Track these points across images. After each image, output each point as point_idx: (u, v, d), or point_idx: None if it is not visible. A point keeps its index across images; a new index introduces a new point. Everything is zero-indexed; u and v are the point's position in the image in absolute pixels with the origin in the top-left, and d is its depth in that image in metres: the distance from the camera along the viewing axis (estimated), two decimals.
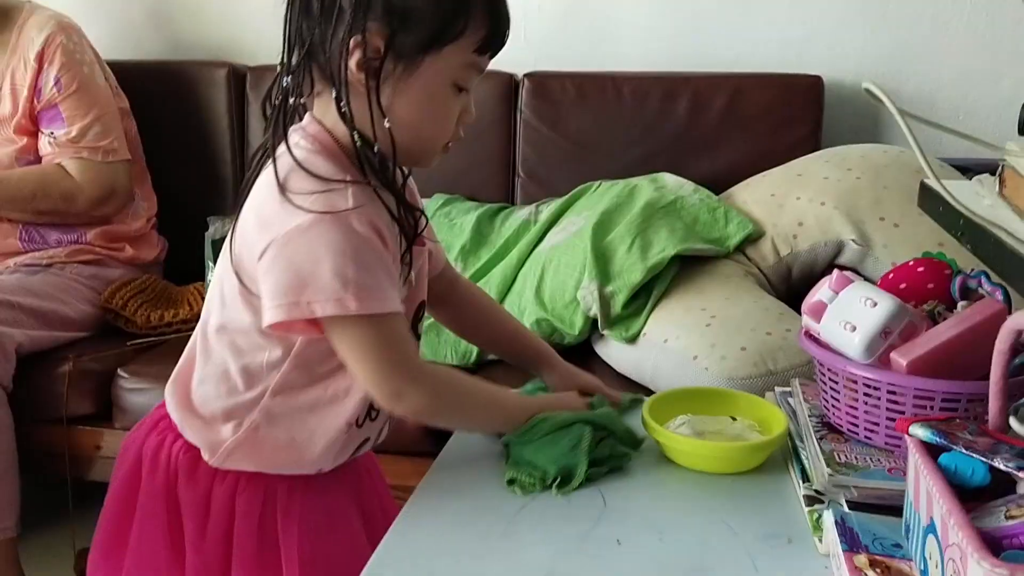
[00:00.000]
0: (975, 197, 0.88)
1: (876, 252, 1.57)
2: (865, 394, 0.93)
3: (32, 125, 1.83)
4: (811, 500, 0.90)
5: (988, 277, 0.98)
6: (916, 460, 0.72)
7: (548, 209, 1.82)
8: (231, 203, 2.10)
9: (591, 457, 0.91)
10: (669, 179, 1.79)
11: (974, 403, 0.88)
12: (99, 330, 1.81)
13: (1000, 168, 0.85)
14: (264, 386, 0.87)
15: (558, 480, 0.89)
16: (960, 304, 0.97)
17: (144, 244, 1.99)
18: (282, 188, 0.79)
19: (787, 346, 1.34)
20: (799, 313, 1.50)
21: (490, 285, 1.70)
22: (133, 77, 2.05)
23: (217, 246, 1.63)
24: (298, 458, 0.90)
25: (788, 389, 1.13)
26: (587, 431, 0.91)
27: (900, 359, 0.89)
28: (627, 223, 1.62)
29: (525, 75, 2.00)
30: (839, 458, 0.93)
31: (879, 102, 0.81)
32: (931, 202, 0.93)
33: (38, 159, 1.84)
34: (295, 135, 0.83)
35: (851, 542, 0.75)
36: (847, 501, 0.87)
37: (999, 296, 0.95)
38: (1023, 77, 1.87)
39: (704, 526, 0.87)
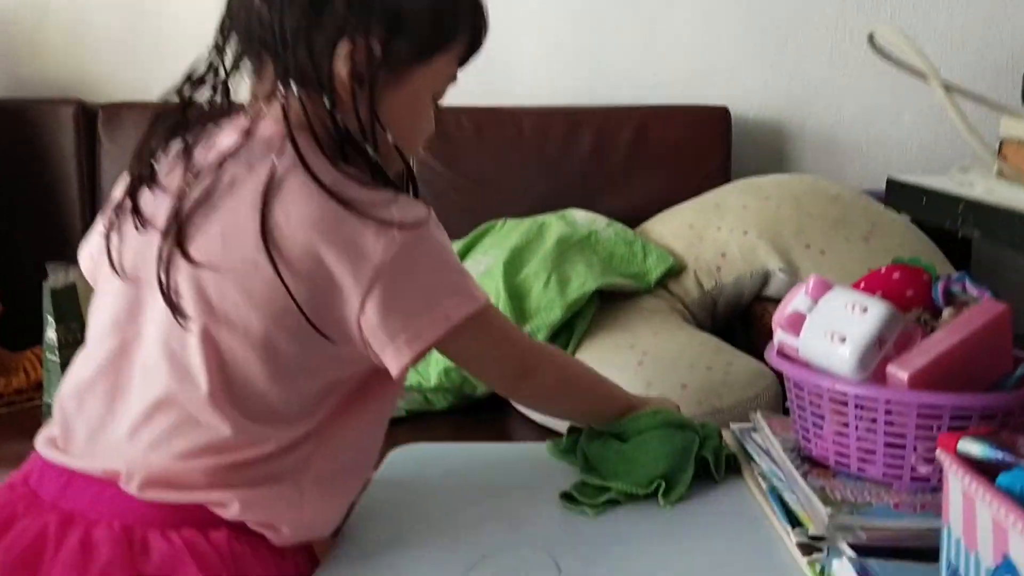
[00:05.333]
0: (965, 187, 0.77)
1: None
2: (858, 417, 0.79)
3: None
4: (807, 549, 0.75)
5: (971, 278, 0.87)
6: (967, 485, 0.57)
7: None
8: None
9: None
10: (579, 215, 1.65)
11: (987, 419, 0.75)
12: None
13: (999, 145, 0.75)
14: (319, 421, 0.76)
15: (663, 487, 0.81)
16: (946, 311, 0.86)
17: None
18: (347, 203, 0.69)
19: (731, 380, 1.21)
20: (734, 347, 1.40)
21: None
22: None
23: (58, 296, 1.36)
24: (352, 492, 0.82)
25: (748, 425, 0.99)
26: (696, 440, 0.86)
27: (899, 372, 0.76)
28: (541, 259, 1.47)
29: None
30: (834, 495, 0.78)
31: (886, 58, 0.69)
32: (908, 198, 0.82)
33: None
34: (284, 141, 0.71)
35: None
36: (852, 546, 0.72)
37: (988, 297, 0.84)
38: (924, 109, 1.86)
39: None
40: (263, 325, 0.70)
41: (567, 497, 0.82)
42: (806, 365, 0.82)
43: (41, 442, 0.77)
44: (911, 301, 0.87)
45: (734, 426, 1.00)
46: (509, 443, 1.04)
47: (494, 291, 1.43)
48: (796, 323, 0.81)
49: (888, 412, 0.77)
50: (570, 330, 1.40)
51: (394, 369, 0.72)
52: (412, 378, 1.44)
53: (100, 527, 0.70)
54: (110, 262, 0.74)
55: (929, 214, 0.79)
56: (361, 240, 0.69)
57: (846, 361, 0.77)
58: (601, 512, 0.81)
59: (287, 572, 0.76)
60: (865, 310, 0.78)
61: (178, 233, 0.70)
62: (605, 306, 1.46)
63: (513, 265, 1.47)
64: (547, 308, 1.38)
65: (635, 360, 1.28)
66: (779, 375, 1.28)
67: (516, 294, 1.42)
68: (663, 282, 1.53)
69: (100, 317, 0.76)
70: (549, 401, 0.87)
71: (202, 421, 0.71)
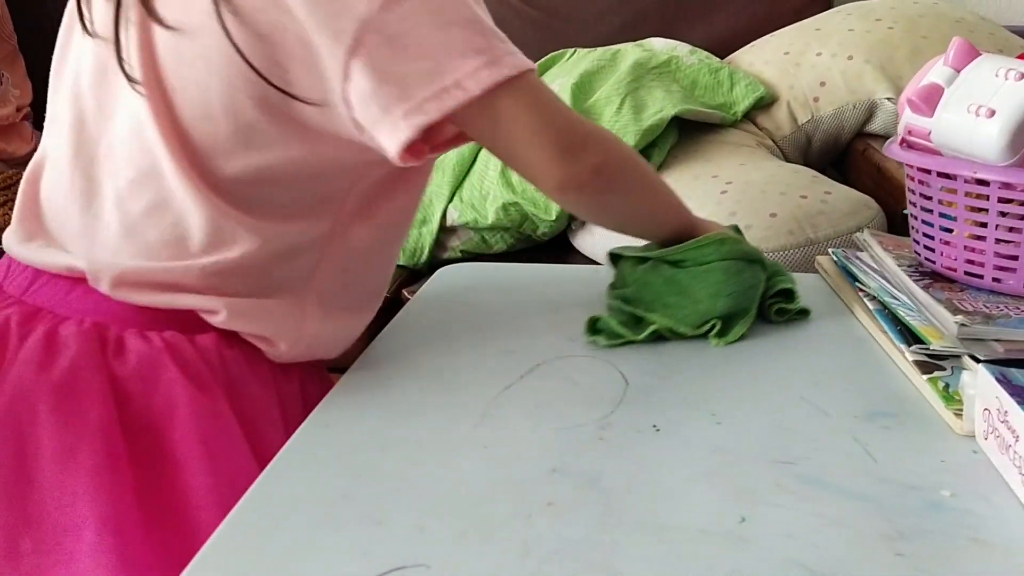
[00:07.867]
0: None
1: None
2: (999, 213, 0.65)
3: None
4: (927, 367, 0.62)
5: None
6: None
7: None
8: None
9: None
10: (658, 43, 1.48)
11: None
12: None
13: None
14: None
15: (717, 327, 0.68)
16: None
17: (13, 136, 1.62)
18: None
19: (829, 211, 1.06)
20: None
21: (444, 168, 1.38)
22: None
23: None
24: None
25: (842, 253, 0.84)
26: (763, 278, 0.71)
27: None
28: (614, 83, 1.31)
29: None
30: (963, 306, 0.65)
31: None
32: None
33: None
34: None
35: None
36: (983, 362, 0.59)
37: None
38: None
39: (773, 405, 0.59)
40: (224, 91, 0.57)
41: (593, 327, 0.68)
42: (937, 154, 0.67)
43: (9, 236, 0.67)
44: None
45: (832, 252, 0.86)
46: (573, 264, 0.93)
47: None
48: (931, 98, 0.66)
49: None
50: (645, 160, 1.25)
51: (391, 149, 0.56)
52: (468, 215, 1.33)
53: (69, 323, 0.61)
54: (80, 18, 0.62)
55: None
56: None
57: (992, 138, 0.62)
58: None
59: (289, 390, 0.67)
60: (1022, 76, 0.62)
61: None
62: (684, 138, 1.31)
63: (583, 89, 1.32)
64: (619, 134, 1.23)
65: (718, 190, 1.14)
66: (885, 205, 1.12)
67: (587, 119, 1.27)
68: (751, 115, 1.36)
69: (66, 80, 0.64)
70: (601, 191, 0.66)
71: (174, 204, 0.59)
